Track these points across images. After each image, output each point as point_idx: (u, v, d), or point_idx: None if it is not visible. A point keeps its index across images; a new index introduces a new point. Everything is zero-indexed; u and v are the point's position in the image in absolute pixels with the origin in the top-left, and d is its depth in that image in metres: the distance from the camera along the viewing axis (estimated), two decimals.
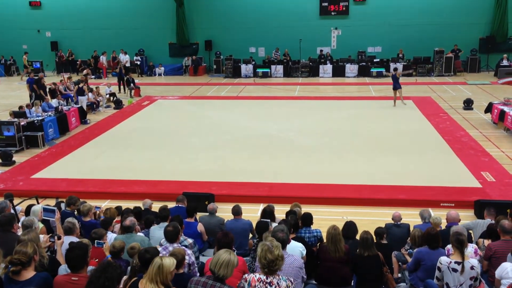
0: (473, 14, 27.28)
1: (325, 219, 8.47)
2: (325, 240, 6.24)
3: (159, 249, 5.61)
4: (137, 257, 5.10)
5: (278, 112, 18.95)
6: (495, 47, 27.12)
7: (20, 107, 15.97)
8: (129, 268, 5.49)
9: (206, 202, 9.37)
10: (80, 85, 19.11)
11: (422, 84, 22.98)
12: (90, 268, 4.94)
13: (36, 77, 19.78)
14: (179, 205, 8.32)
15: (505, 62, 25.67)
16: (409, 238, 7.04)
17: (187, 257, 5.46)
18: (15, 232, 6.09)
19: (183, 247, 5.71)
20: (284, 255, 4.93)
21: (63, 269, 5.03)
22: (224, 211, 8.82)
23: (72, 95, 19.55)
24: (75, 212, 7.99)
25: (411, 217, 8.53)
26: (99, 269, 4.20)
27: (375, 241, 6.71)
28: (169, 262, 4.40)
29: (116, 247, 6.00)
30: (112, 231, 7.22)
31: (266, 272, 4.37)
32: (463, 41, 26.96)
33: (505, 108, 15.50)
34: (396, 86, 19.05)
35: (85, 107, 18.60)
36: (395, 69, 19.89)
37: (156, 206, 8.51)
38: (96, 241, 6.22)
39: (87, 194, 10.77)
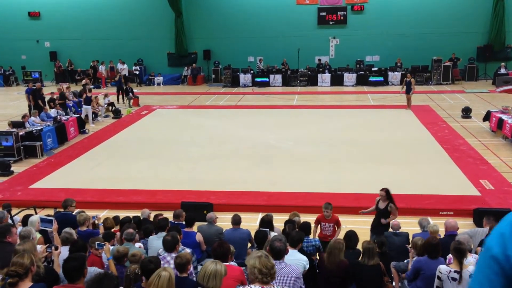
0: (471, 23, 27.41)
1: None
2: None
3: None
4: (139, 266, 5.06)
5: (277, 121, 18.96)
6: (492, 56, 27.20)
7: (23, 117, 15.97)
8: None
9: (205, 212, 9.35)
10: (89, 95, 19.04)
11: (420, 92, 23.01)
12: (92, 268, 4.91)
13: (34, 87, 19.77)
14: (175, 222, 7.89)
15: (503, 71, 25.74)
16: (410, 246, 7.00)
17: None
18: (12, 242, 6.04)
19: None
20: (282, 265, 4.90)
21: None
22: (223, 220, 8.79)
23: (71, 104, 19.60)
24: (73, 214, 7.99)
25: (410, 226, 8.51)
26: (96, 280, 4.17)
27: (378, 250, 6.69)
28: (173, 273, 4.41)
29: (120, 252, 6.00)
30: (113, 244, 7.13)
31: (265, 282, 4.13)
32: (461, 50, 27.07)
33: (503, 116, 15.52)
34: (406, 90, 19.81)
35: (90, 116, 18.66)
36: (407, 75, 20.64)
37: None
38: (96, 242, 6.19)
39: (85, 204, 10.72)
